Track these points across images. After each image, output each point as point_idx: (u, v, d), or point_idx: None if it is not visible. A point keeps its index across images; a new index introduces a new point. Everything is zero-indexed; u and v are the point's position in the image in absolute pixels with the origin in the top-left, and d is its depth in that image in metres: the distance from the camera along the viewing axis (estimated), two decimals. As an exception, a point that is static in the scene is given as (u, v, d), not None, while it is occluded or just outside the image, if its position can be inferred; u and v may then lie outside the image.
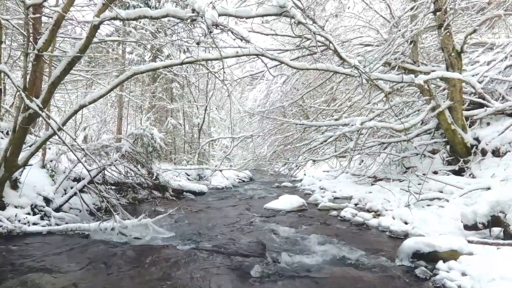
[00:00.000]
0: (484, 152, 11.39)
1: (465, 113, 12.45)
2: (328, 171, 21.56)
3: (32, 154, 8.54)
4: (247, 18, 7.40)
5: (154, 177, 12.96)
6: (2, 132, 9.90)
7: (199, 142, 25.75)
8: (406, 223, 9.29)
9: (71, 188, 10.54)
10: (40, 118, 9.61)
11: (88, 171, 8.33)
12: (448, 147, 12.96)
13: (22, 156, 8.41)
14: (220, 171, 19.13)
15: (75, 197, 10.30)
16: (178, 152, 30.47)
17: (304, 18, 7.66)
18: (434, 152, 14.05)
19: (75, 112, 8.91)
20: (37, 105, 7.53)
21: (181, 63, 8.36)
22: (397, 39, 12.58)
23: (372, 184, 15.42)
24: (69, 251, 6.90)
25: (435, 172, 12.63)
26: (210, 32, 6.73)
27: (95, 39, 8.74)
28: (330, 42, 7.97)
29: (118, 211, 9.32)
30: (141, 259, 6.48)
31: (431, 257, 6.30)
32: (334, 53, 8.25)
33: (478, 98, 12.68)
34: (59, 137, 8.22)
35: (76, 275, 5.60)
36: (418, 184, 11.06)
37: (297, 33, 9.03)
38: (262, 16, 7.45)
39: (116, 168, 11.79)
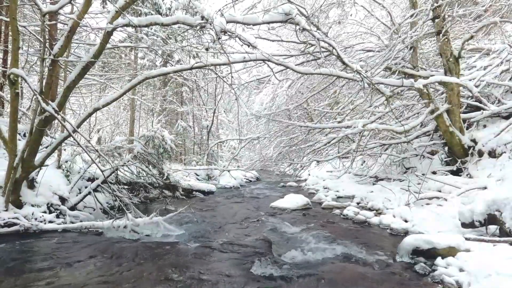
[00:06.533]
0: (480, 153, 11.35)
1: (463, 115, 12.41)
2: (332, 171, 21.51)
3: (48, 155, 8.58)
4: (254, 25, 7.41)
5: (165, 177, 13.01)
6: (19, 134, 9.93)
7: (208, 143, 25.72)
8: (406, 221, 9.30)
9: (86, 187, 10.59)
10: (56, 121, 9.64)
11: (102, 171, 8.35)
12: (446, 148, 12.92)
13: (38, 157, 8.45)
14: (228, 171, 19.13)
15: (89, 196, 10.35)
16: (188, 153, 30.46)
17: (309, 25, 7.68)
18: (433, 153, 14.02)
19: (89, 114, 8.94)
20: (53, 108, 7.57)
21: (191, 68, 8.39)
22: (397, 45, 12.57)
23: (373, 184, 15.40)
24: (84, 248, 6.93)
25: (434, 172, 12.60)
26: (219, 38, 6.74)
27: (108, 45, 8.77)
28: (333, 48, 7.97)
29: (130, 209, 9.34)
30: (152, 255, 6.49)
31: (430, 254, 6.31)
32: (337, 58, 8.24)
33: (475, 101, 12.64)
34: (74, 139, 8.26)
35: (90, 271, 5.63)
36: (418, 184, 11.04)
37: (302, 39, 9.01)
38: (268, 23, 7.46)
39: (129, 168, 11.84)
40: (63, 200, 9.64)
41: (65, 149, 11.83)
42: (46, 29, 8.55)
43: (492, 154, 10.96)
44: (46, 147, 8.93)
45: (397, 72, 12.76)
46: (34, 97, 8.06)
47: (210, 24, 6.71)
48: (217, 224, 9.89)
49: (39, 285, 5.05)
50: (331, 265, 6.33)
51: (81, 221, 9.06)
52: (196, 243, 7.56)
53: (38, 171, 9.01)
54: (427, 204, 10.28)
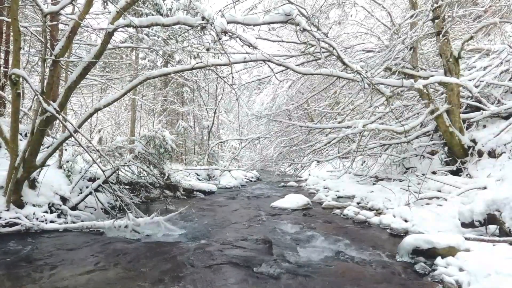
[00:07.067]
0: (480, 153, 11.35)
1: (462, 116, 12.42)
2: (332, 171, 21.52)
3: (50, 155, 8.58)
4: (254, 25, 7.41)
5: (165, 177, 13.00)
6: (21, 134, 9.93)
7: (209, 143, 25.68)
8: (406, 221, 9.30)
9: (87, 187, 10.58)
10: (57, 121, 9.64)
11: (103, 171, 8.36)
12: (446, 148, 12.93)
13: (40, 157, 8.45)
14: (229, 171, 19.17)
15: (91, 196, 10.34)
16: (188, 153, 30.45)
17: (309, 25, 7.67)
18: (432, 153, 14.02)
19: (91, 115, 8.95)
20: (54, 109, 7.57)
21: (192, 69, 8.39)
22: (397, 45, 12.57)
23: (373, 184, 15.41)
24: (85, 248, 6.93)
25: (434, 172, 12.60)
26: (219, 39, 6.74)
27: (109, 46, 8.76)
28: (333, 48, 7.98)
29: (131, 209, 9.36)
30: (153, 255, 6.49)
31: (430, 254, 6.32)
32: (338, 59, 8.24)
33: (475, 101, 12.66)
34: (75, 139, 8.25)
35: (91, 271, 5.63)
36: (418, 184, 11.05)
37: (302, 40, 9.01)
38: (269, 23, 7.46)
39: (130, 168, 11.83)
40: (64, 200, 9.64)
41: (66, 149, 11.81)
42: (48, 30, 8.54)
43: (492, 154, 10.97)
44: (48, 147, 8.93)
45: (397, 72, 12.77)
46: (36, 97, 8.05)
47: (211, 25, 6.71)
48: (217, 224, 9.90)
49: (40, 285, 5.05)
50: (331, 265, 6.33)
51: (82, 221, 9.06)
52: (196, 243, 7.56)
53: (40, 171, 9.01)
54: (427, 204, 10.29)
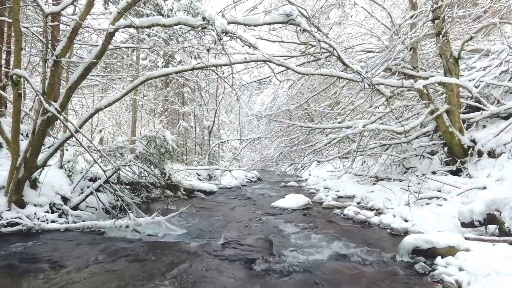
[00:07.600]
0: (480, 153, 11.35)
1: (462, 116, 12.41)
2: (332, 171, 21.51)
3: (51, 155, 8.58)
4: (255, 26, 7.41)
5: (166, 177, 12.97)
6: (22, 134, 9.93)
7: (209, 143, 25.74)
8: (406, 220, 9.29)
9: (88, 187, 10.57)
10: (58, 121, 9.62)
11: (104, 171, 8.36)
12: (446, 148, 12.94)
13: (41, 157, 8.45)
14: (229, 171, 19.18)
15: (92, 196, 10.32)
16: (189, 153, 30.44)
17: (309, 26, 7.67)
18: (432, 153, 14.02)
19: (92, 115, 8.95)
20: (55, 109, 7.57)
21: (192, 69, 8.39)
22: (397, 46, 12.56)
23: (373, 184, 15.39)
24: (86, 247, 6.93)
25: (434, 172, 12.60)
26: (220, 39, 6.74)
27: (110, 46, 8.77)
28: (334, 48, 7.98)
29: (132, 209, 9.36)
30: (154, 254, 6.49)
31: (430, 253, 6.31)
32: (338, 59, 8.25)
33: (475, 102, 12.66)
34: (76, 139, 8.25)
35: (91, 270, 5.63)
36: (418, 184, 11.05)
37: (303, 40, 9.03)
38: (269, 24, 7.46)
39: (131, 168, 11.81)
40: (65, 200, 9.64)
41: (67, 149, 11.80)
42: (49, 30, 8.55)
43: (492, 154, 10.97)
44: (49, 147, 8.93)
45: (397, 72, 12.78)
46: (37, 97, 8.06)
47: (212, 25, 6.71)
48: (218, 224, 9.89)
49: (41, 285, 5.05)
50: (331, 264, 6.32)
51: (83, 221, 9.06)
52: (197, 242, 7.57)
53: (41, 171, 9.01)
54: (427, 204, 10.29)
